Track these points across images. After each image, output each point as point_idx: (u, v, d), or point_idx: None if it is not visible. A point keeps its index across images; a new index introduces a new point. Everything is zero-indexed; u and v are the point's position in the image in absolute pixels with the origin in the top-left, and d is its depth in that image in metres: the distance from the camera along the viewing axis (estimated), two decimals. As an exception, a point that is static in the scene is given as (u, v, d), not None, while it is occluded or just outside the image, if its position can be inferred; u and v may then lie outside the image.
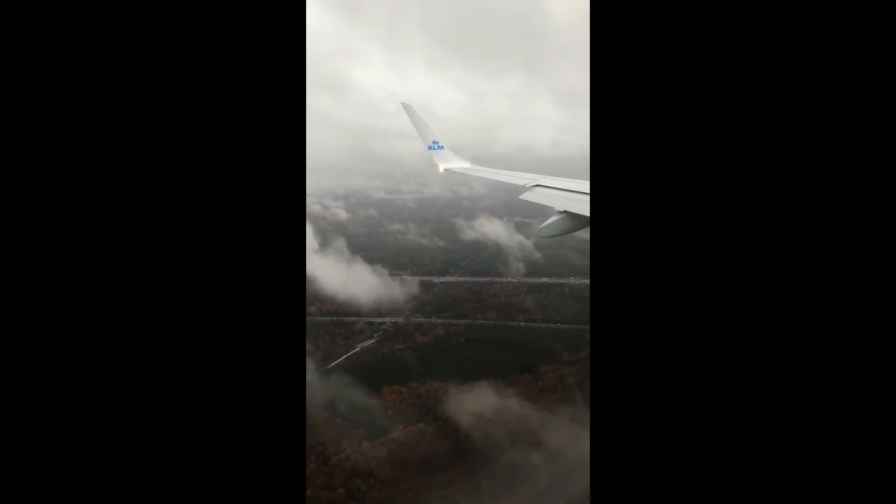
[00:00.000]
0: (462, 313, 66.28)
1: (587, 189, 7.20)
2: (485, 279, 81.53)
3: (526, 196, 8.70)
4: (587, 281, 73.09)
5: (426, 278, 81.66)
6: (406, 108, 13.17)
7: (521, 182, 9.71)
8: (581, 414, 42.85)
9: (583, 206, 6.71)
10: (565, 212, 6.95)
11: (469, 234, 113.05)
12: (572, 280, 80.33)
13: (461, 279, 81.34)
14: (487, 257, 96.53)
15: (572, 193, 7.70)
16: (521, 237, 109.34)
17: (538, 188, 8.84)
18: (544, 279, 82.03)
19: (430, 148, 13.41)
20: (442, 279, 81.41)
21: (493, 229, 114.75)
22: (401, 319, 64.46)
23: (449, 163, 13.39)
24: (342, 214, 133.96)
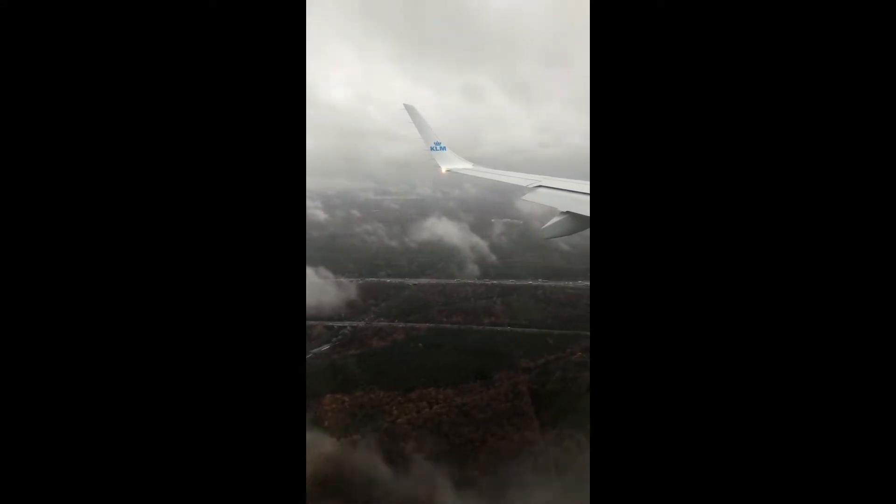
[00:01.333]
0: (427, 317, 64.29)
1: (589, 190, 7.31)
2: (453, 282, 79.36)
3: (528, 197, 8.53)
4: (559, 283, 72.63)
5: (400, 280, 79.56)
6: (408, 109, 13.12)
7: (523, 183, 9.55)
8: (527, 423, 40.67)
9: (585, 207, 6.66)
10: (568, 212, 6.86)
11: (448, 236, 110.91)
12: (542, 282, 78.33)
13: (434, 281, 79.11)
14: (464, 259, 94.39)
15: (575, 194, 7.61)
16: (503, 239, 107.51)
17: (540, 189, 8.71)
18: (512, 281, 79.81)
19: (432, 149, 13.43)
20: (415, 281, 79.26)
21: (473, 231, 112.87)
22: (361, 324, 62.25)
23: (451, 164, 13.40)
24: (320, 215, 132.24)
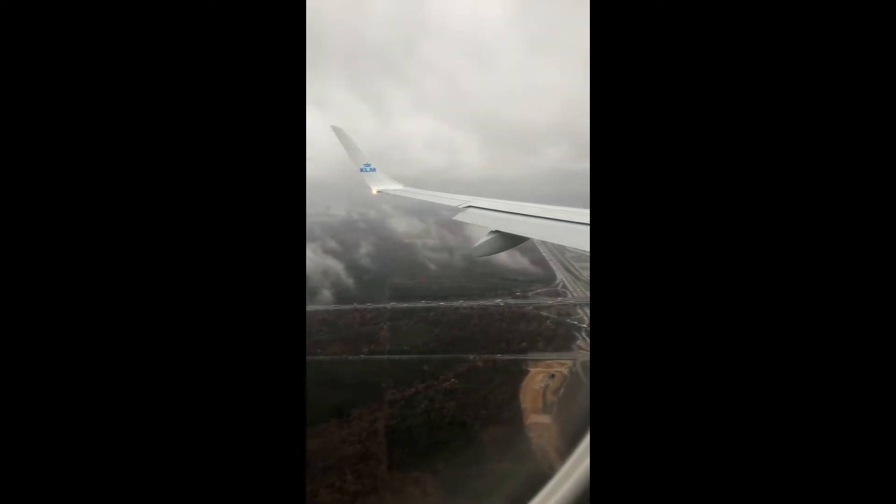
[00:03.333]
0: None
1: (517, 210, 7.53)
2: (347, 307, 74.41)
3: (459, 217, 8.66)
4: (460, 302, 69.34)
5: None
6: (336, 131, 13.21)
7: (453, 203, 9.48)
8: (372, 470, 36.28)
9: (513, 226, 6.89)
10: (497, 231, 7.07)
11: (354, 258, 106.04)
12: (441, 304, 75.23)
13: (322, 307, 73.64)
14: (367, 281, 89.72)
15: (503, 214, 7.80)
16: (411, 260, 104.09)
17: (470, 209, 8.76)
18: (406, 304, 76.05)
19: (361, 170, 13.47)
20: (319, 307, 73.24)
21: (381, 252, 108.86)
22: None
23: (381, 185, 13.44)
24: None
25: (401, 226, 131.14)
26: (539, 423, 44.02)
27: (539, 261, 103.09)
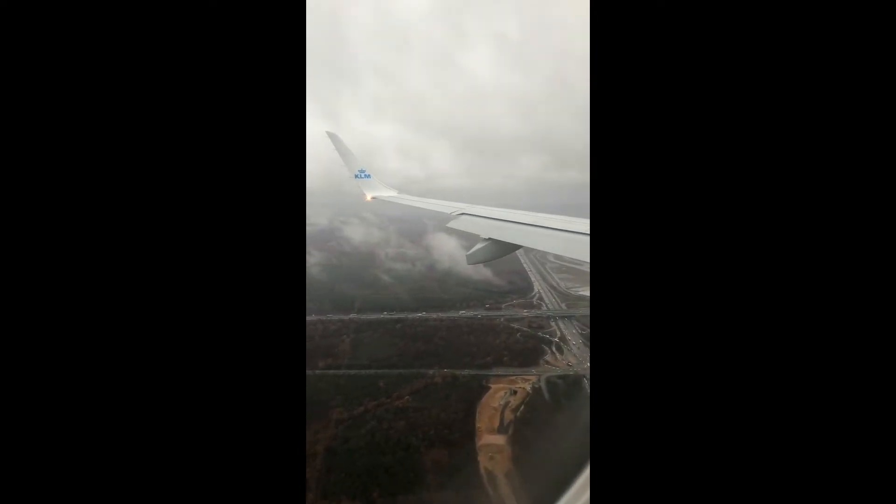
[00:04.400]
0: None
1: (510, 217, 7.57)
2: (309, 318, 71.34)
3: (452, 224, 8.67)
4: (431, 314, 66.48)
5: None
6: (331, 137, 13.30)
7: (447, 210, 9.50)
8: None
9: (507, 234, 6.89)
10: (490, 239, 6.99)
11: (327, 267, 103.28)
12: (410, 315, 72.51)
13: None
14: (337, 292, 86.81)
15: (496, 221, 7.78)
16: (390, 270, 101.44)
17: (463, 216, 8.80)
18: (383, 314, 73.28)
19: (356, 177, 13.49)
20: None
21: (354, 262, 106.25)
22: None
23: (376, 191, 13.48)
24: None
25: (377, 235, 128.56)
26: (492, 444, 41.17)
27: (517, 270, 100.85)
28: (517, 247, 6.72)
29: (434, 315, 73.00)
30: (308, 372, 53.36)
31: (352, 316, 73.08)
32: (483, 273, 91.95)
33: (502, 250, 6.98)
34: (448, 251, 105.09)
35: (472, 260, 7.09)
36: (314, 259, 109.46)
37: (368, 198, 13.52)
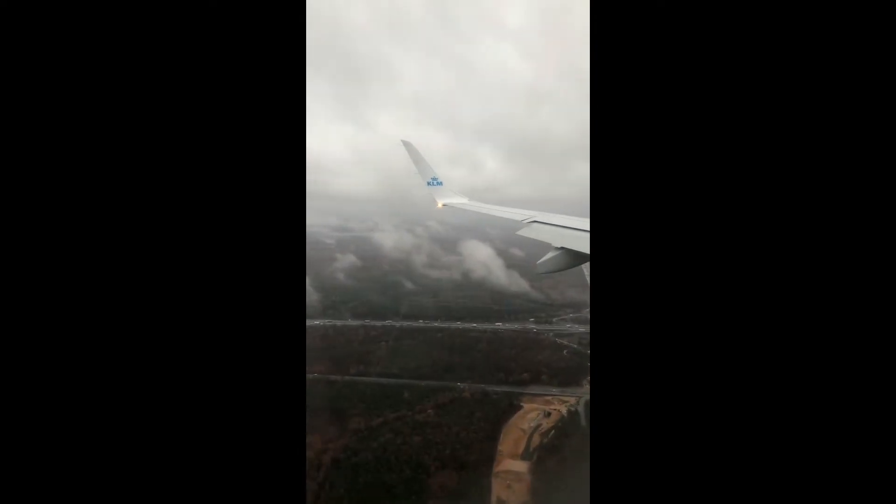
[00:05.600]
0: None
1: (583, 226, 7.23)
2: (355, 323, 71.28)
3: (523, 232, 8.54)
4: (474, 325, 64.06)
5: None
6: (406, 145, 13.42)
7: (517, 218, 9.40)
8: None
9: (580, 243, 6.57)
10: (562, 248, 6.80)
11: (382, 274, 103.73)
12: (456, 325, 69.89)
13: (330, 322, 70.94)
14: (391, 297, 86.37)
15: (570, 230, 7.53)
16: (436, 275, 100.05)
17: (535, 224, 8.61)
18: (423, 322, 71.39)
19: (429, 184, 13.55)
20: (327, 322, 70.96)
21: (413, 269, 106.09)
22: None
23: (447, 198, 13.52)
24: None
25: (444, 243, 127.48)
26: (511, 470, 37.31)
27: (579, 284, 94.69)
28: (589, 257, 6.32)
29: (478, 326, 69.80)
30: (336, 377, 52.58)
31: (395, 323, 71.74)
32: (539, 284, 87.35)
33: (574, 260, 6.69)
34: (507, 260, 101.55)
35: (543, 269, 6.82)
36: (358, 264, 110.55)
37: (440, 205, 13.57)
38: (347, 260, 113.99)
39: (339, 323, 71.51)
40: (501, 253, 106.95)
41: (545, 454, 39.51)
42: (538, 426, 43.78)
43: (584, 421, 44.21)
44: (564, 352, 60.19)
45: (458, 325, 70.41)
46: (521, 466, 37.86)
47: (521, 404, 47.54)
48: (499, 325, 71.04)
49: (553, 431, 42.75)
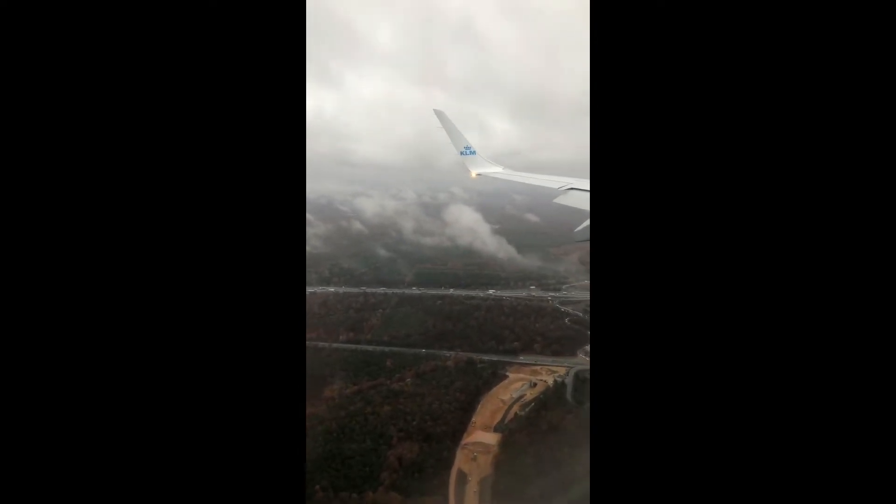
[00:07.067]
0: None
1: None
2: (355, 290, 70.44)
3: (560, 200, 8.55)
4: (475, 292, 61.61)
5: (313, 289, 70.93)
6: (438, 114, 13.14)
7: (554, 186, 9.48)
8: None
9: None
10: None
11: (395, 241, 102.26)
12: (455, 292, 67.75)
13: (332, 290, 70.49)
14: (392, 268, 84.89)
15: None
16: (490, 242, 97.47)
17: (572, 192, 8.62)
18: (419, 291, 69.64)
19: (462, 154, 13.35)
20: (329, 289, 70.67)
21: (423, 236, 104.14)
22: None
23: (481, 168, 13.37)
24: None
25: (462, 211, 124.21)
26: (480, 442, 35.42)
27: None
28: None
29: (478, 293, 67.35)
30: (324, 344, 51.90)
31: (396, 290, 70.26)
32: (554, 253, 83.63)
33: None
34: (528, 228, 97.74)
35: (582, 237, 6.80)
36: (367, 233, 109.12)
37: (473, 174, 13.34)
38: (354, 227, 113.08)
39: (341, 290, 70.74)
40: (521, 221, 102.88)
41: (521, 426, 37.35)
42: (521, 397, 41.55)
43: (569, 395, 41.57)
44: (566, 320, 57.10)
45: (459, 293, 68.06)
46: (490, 439, 35.93)
47: (507, 374, 45.31)
48: (502, 291, 68.35)
49: (533, 403, 40.40)
